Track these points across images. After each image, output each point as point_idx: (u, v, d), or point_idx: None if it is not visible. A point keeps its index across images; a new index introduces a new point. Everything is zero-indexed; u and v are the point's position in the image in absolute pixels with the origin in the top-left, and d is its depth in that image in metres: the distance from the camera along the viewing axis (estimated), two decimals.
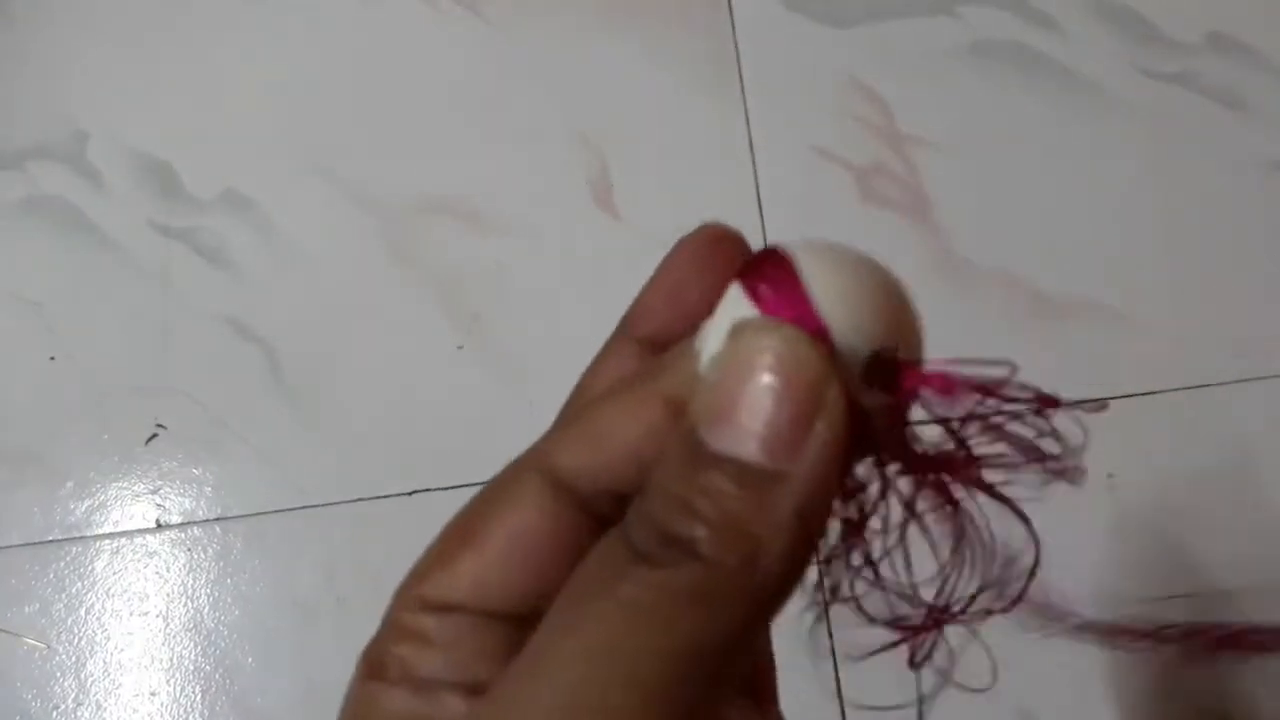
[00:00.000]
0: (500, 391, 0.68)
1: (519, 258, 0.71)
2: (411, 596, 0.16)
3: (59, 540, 0.67)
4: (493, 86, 0.76)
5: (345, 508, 0.66)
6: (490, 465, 0.67)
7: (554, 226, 0.72)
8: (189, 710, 0.64)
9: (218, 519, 0.67)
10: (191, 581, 0.66)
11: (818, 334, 0.15)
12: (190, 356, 0.70)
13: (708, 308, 0.17)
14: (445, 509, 0.65)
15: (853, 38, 0.75)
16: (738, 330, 0.15)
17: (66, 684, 0.64)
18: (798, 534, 0.13)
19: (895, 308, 0.16)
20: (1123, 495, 0.63)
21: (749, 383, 0.14)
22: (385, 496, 0.66)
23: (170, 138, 0.76)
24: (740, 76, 0.74)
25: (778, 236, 0.70)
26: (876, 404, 0.15)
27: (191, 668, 0.64)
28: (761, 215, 0.71)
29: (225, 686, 0.64)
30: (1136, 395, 0.66)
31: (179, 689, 0.64)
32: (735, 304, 0.16)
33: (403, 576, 0.17)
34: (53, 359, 0.71)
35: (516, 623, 0.16)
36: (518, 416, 0.67)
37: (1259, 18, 0.73)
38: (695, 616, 0.13)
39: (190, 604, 0.65)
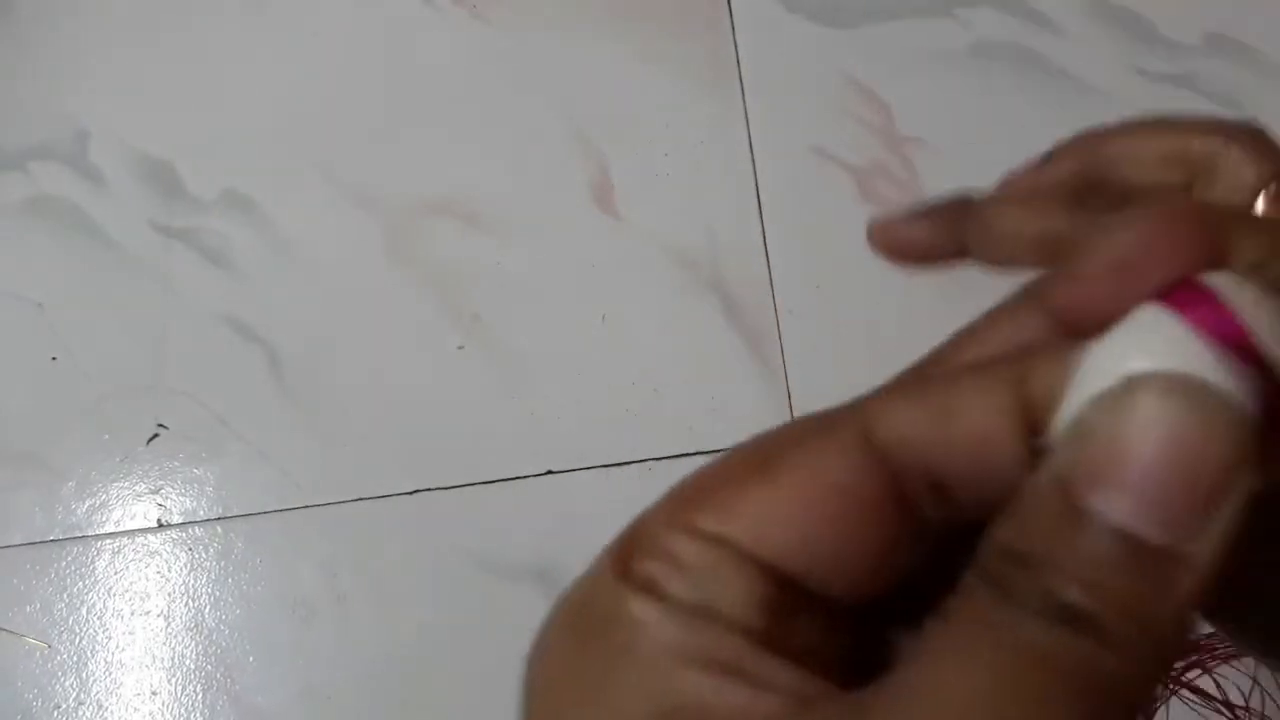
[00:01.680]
0: (500, 392, 0.68)
1: (519, 258, 0.71)
2: (678, 517, 0.15)
3: (60, 540, 0.67)
4: (493, 87, 0.76)
5: (346, 507, 0.66)
6: (491, 464, 0.67)
7: (554, 227, 0.72)
8: (190, 709, 0.64)
9: (219, 518, 0.67)
10: (193, 581, 0.66)
11: (1258, 393, 0.13)
12: (191, 356, 0.71)
13: (1157, 296, 0.15)
14: (446, 508, 0.65)
15: (852, 39, 0.75)
16: (1149, 380, 0.13)
17: (68, 683, 0.64)
18: (1188, 620, 0.13)
19: None
20: None
21: (1155, 447, 0.12)
22: (386, 496, 0.66)
23: (171, 138, 0.77)
24: (740, 77, 0.74)
25: (778, 238, 0.70)
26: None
27: (192, 667, 0.64)
28: (761, 216, 0.71)
29: (226, 685, 0.64)
30: None
31: (180, 688, 0.64)
32: (1154, 333, 0.13)
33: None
34: (54, 359, 0.71)
35: (780, 581, 0.14)
36: (518, 417, 0.67)
37: (1257, 18, 0.74)
38: (1104, 696, 0.12)
39: (191, 603, 0.66)
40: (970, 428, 0.14)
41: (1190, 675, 0.58)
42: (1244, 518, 0.13)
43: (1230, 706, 0.57)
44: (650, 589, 0.14)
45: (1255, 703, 0.58)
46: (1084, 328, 0.15)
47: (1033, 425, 0.14)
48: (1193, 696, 0.57)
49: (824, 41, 0.75)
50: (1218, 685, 0.58)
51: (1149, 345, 0.13)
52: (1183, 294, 0.14)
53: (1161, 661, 0.13)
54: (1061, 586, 0.12)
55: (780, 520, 0.14)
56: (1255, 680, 0.58)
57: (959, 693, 0.12)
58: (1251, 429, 0.13)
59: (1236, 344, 0.13)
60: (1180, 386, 0.13)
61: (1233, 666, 0.58)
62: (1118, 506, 0.12)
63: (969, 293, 0.75)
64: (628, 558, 0.15)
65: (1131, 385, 0.13)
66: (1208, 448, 0.12)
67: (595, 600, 0.15)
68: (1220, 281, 0.14)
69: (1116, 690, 0.13)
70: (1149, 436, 0.12)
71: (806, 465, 0.15)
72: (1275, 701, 0.57)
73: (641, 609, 0.14)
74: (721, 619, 0.14)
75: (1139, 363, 0.13)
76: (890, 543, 0.15)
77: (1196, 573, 0.12)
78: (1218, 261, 0.15)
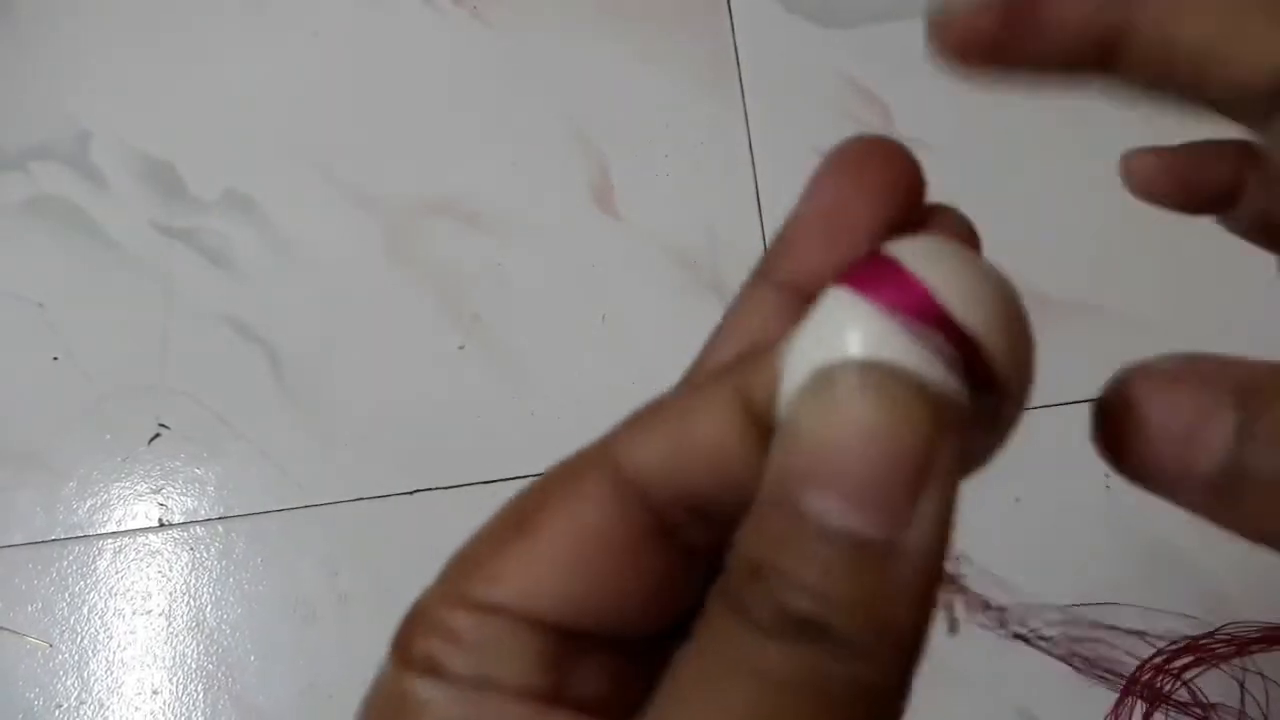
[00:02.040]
0: (500, 392, 0.68)
1: (519, 258, 0.71)
2: (451, 591, 0.15)
3: (62, 539, 0.67)
4: (493, 87, 0.76)
5: (347, 507, 0.67)
6: (491, 465, 0.67)
7: (554, 227, 0.72)
8: (191, 708, 0.64)
9: (220, 518, 0.67)
10: (194, 580, 0.66)
11: (956, 363, 0.13)
12: (192, 356, 0.71)
13: (871, 237, 0.14)
14: (446, 508, 0.65)
15: (852, 39, 0.75)
16: (839, 372, 0.12)
17: (69, 682, 0.65)
18: (927, 611, 0.12)
19: (1023, 330, 0.14)
20: (1120, 500, 0.63)
21: (854, 442, 0.12)
22: (387, 496, 0.66)
23: (172, 138, 0.77)
24: (739, 78, 0.75)
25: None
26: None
27: (194, 666, 0.65)
28: (761, 217, 0.71)
29: (227, 685, 0.64)
30: None
31: (181, 687, 0.64)
32: (844, 315, 0.13)
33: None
34: (55, 359, 0.71)
35: (558, 635, 0.14)
36: (518, 417, 0.68)
37: None
38: (849, 705, 0.12)
39: (192, 602, 0.66)
40: (704, 444, 0.14)
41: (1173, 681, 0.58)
42: (956, 495, 0.12)
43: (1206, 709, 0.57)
44: (430, 669, 0.14)
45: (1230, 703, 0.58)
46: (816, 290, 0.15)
47: (761, 429, 0.14)
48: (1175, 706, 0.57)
49: (823, 42, 0.75)
50: (1192, 693, 0.58)
51: (839, 333, 0.13)
52: (870, 269, 0.13)
53: (909, 658, 0.12)
54: (793, 598, 0.12)
55: (543, 576, 0.14)
56: (1242, 686, 0.58)
57: None
58: (949, 404, 0.12)
59: (927, 314, 0.13)
60: (871, 375, 0.12)
61: (1223, 669, 0.58)
62: (831, 506, 0.12)
63: None
64: (409, 641, 0.15)
65: (824, 378, 0.12)
66: (905, 435, 0.12)
67: (382, 688, 0.15)
68: (907, 250, 0.13)
69: (871, 697, 0.12)
70: (847, 432, 0.12)
71: (560, 516, 0.15)
72: (1260, 706, 0.57)
73: (424, 690, 0.14)
74: (502, 687, 0.14)
75: (830, 352, 0.13)
76: (660, 576, 0.15)
77: (919, 560, 0.12)
78: (917, 198, 0.15)
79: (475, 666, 0.14)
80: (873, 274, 0.13)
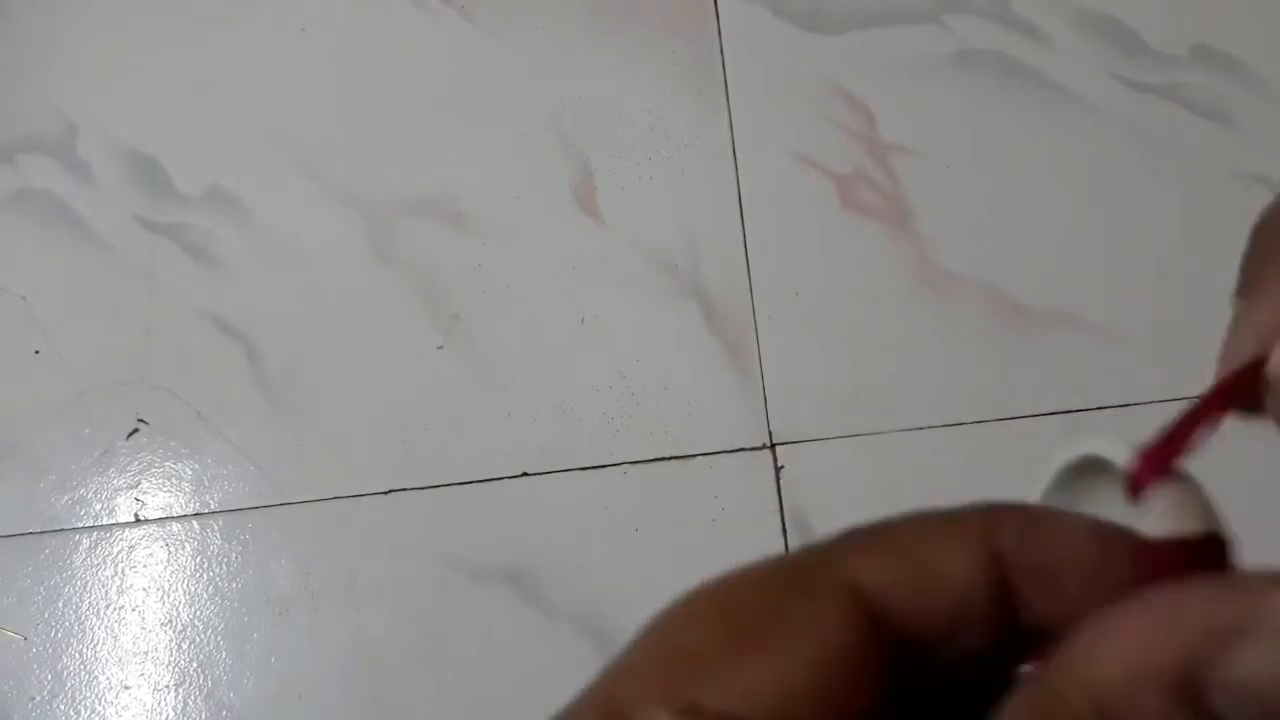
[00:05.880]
0: (479, 392, 0.68)
1: (500, 259, 0.71)
2: (676, 692, 0.14)
3: (38, 533, 0.67)
4: (478, 89, 0.76)
5: (323, 505, 0.67)
6: (466, 466, 0.67)
7: (536, 228, 0.72)
8: (162, 704, 0.64)
9: (196, 514, 0.67)
10: (169, 576, 0.66)
11: None
12: (173, 352, 0.71)
13: None
14: (421, 508, 0.65)
15: (838, 45, 0.75)
16: None
17: (42, 675, 0.65)
18: None
19: None
20: None
21: None
22: (362, 495, 0.66)
23: (159, 133, 0.77)
24: (725, 82, 0.74)
25: (758, 242, 0.70)
26: None
27: (166, 661, 0.65)
28: (742, 221, 0.71)
29: (199, 681, 0.64)
30: (1113, 408, 0.66)
31: (153, 683, 0.64)
32: None
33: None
34: (37, 352, 0.71)
35: None
36: (495, 418, 0.68)
37: (1245, 30, 0.73)
38: None
39: (167, 598, 0.66)
40: (948, 584, 0.15)
41: None
42: None
43: None
44: None
45: None
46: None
47: (1004, 579, 0.14)
48: None
49: (810, 47, 0.75)
50: None
51: None
52: None
53: None
54: None
55: (783, 692, 0.14)
56: None
57: None
58: None
59: None
60: None
61: None
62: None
63: (941, 294, 0.75)
64: None
65: None
66: None
67: None
68: None
69: None
70: None
71: (807, 629, 0.14)
72: None
73: None
74: None
75: None
76: (882, 694, 0.15)
77: None
78: None
79: None
80: None
